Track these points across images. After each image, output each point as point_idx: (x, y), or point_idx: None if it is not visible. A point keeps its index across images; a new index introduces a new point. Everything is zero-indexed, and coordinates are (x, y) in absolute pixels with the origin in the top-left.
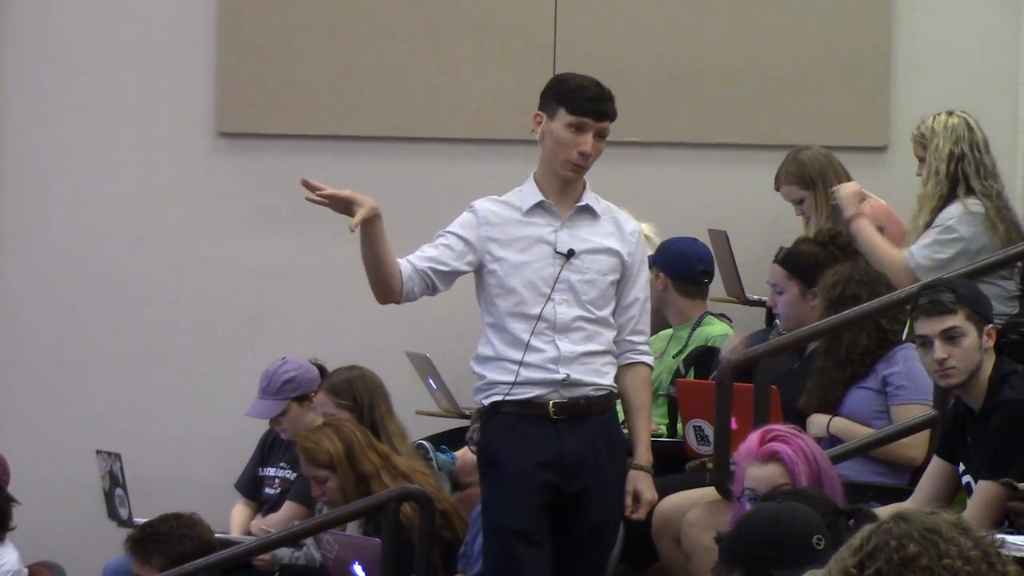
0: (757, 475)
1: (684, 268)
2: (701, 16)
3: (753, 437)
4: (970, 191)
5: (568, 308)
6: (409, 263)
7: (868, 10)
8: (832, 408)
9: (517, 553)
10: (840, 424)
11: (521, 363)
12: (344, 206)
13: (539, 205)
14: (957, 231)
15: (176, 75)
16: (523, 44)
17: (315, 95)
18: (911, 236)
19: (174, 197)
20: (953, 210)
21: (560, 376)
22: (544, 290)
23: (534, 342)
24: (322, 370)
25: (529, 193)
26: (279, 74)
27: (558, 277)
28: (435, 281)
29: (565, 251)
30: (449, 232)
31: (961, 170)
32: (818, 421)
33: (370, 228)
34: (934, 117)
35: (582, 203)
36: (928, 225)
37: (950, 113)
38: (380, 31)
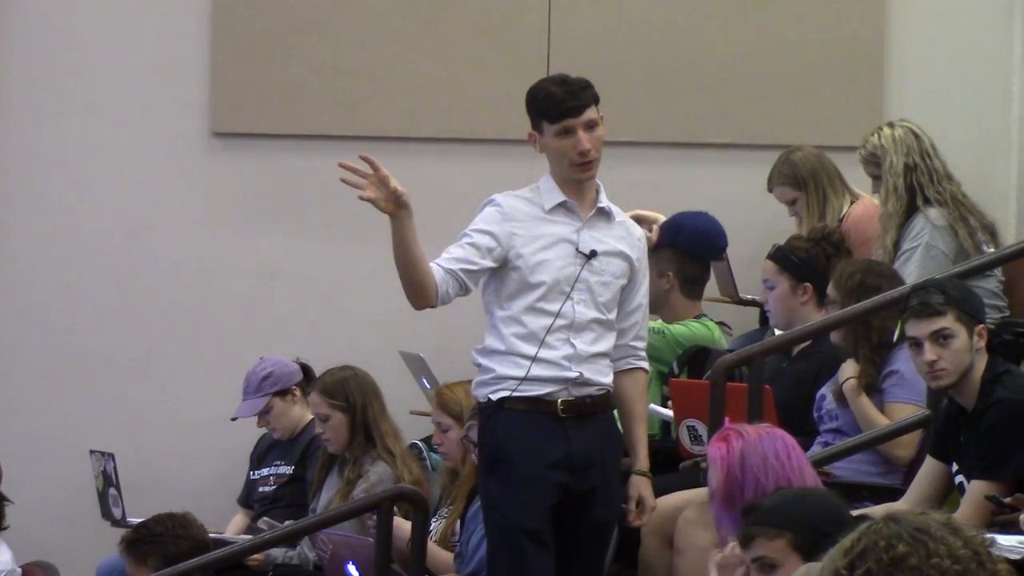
0: (709, 476)
1: (705, 247)
2: (695, 17)
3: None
4: (927, 200)
5: (585, 308)
6: (439, 267)
7: (862, 10)
8: (872, 392)
9: (528, 553)
10: (851, 387)
11: (534, 359)
12: (387, 195)
13: (562, 205)
14: (935, 246)
15: (170, 74)
16: (517, 44)
17: (309, 95)
18: (879, 255)
19: (168, 197)
20: (920, 225)
21: (573, 374)
22: (565, 288)
23: (549, 339)
24: (306, 368)
25: (550, 192)
26: (273, 74)
27: (578, 277)
28: (466, 281)
29: (587, 251)
30: (474, 230)
31: (916, 180)
32: (849, 368)
33: (402, 226)
34: (878, 134)
35: (602, 205)
36: (896, 244)
37: (892, 125)
38: (374, 31)
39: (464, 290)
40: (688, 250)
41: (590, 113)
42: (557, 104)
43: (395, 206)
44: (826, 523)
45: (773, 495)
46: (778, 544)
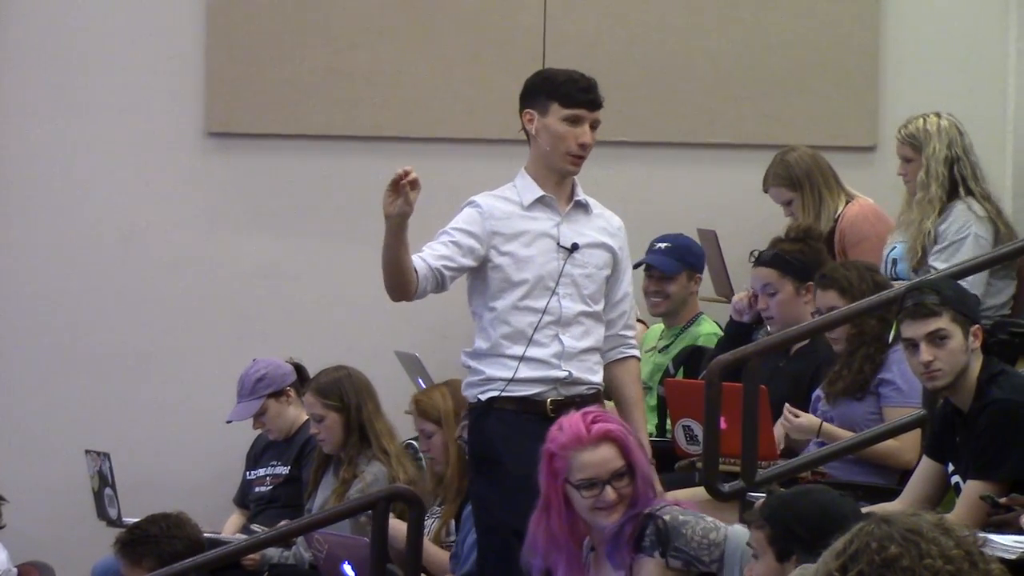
0: (591, 460)
1: (703, 264)
2: (690, 17)
3: (576, 424)
4: (969, 193)
5: (572, 303)
6: (423, 261)
7: (857, 11)
8: (863, 392)
9: (516, 553)
10: (830, 430)
11: (522, 358)
12: (398, 196)
13: (540, 200)
14: (983, 236)
15: (165, 75)
16: (513, 44)
17: (304, 95)
18: (914, 239)
19: (163, 197)
20: (964, 216)
21: (562, 374)
22: (549, 284)
23: (537, 336)
24: (299, 368)
25: (527, 188)
26: (268, 74)
27: (562, 271)
28: (446, 279)
29: (568, 245)
30: (455, 229)
31: (959, 173)
32: (810, 422)
33: (401, 230)
34: (924, 119)
35: (579, 198)
36: (936, 233)
37: (938, 115)
38: (369, 31)
39: (441, 287)
40: (698, 268)
41: (597, 113)
42: (579, 91)
43: (405, 211)
44: (805, 528)
45: (789, 489)
46: (758, 535)
